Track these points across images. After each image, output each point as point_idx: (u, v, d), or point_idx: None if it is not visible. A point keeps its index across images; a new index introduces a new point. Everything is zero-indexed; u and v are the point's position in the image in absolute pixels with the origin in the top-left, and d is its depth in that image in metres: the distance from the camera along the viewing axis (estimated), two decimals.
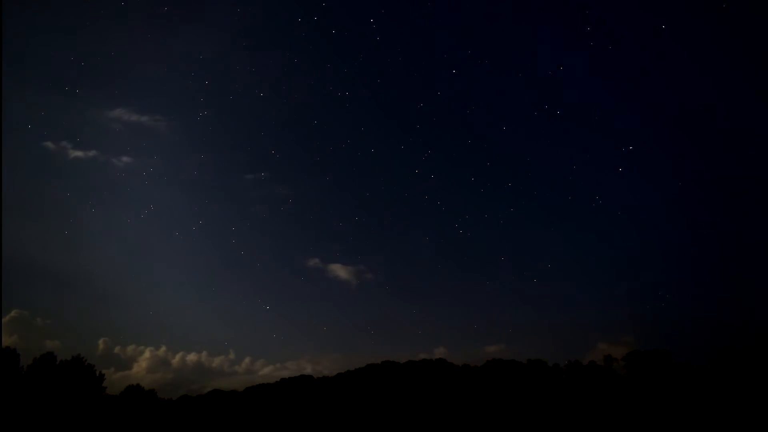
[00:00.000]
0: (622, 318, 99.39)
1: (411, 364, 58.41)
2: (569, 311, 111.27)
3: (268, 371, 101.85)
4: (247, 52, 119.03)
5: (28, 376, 42.78)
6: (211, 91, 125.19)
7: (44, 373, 43.51)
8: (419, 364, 58.36)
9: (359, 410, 52.72)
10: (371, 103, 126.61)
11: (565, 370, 54.33)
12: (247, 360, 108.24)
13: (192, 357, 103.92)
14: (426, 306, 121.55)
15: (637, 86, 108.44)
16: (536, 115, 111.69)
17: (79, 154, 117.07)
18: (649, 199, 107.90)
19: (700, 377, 46.74)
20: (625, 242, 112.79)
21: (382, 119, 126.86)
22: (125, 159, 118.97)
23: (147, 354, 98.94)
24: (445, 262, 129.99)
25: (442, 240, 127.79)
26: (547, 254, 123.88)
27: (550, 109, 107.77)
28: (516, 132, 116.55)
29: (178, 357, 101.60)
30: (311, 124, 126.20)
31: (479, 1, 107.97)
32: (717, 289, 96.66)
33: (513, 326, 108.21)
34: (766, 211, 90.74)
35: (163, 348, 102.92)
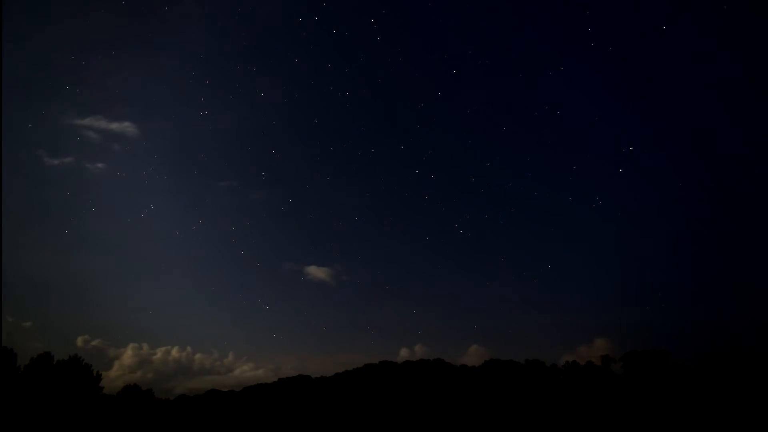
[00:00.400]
0: (621, 319, 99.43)
1: (408, 364, 58.45)
2: (569, 312, 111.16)
3: (247, 369, 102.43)
4: (248, 52, 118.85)
5: (25, 375, 42.80)
6: (211, 90, 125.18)
7: (41, 373, 43.53)
8: (416, 364, 58.39)
9: (357, 410, 52.74)
10: (372, 103, 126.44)
11: (563, 370, 54.36)
12: (230, 359, 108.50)
13: (174, 355, 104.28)
14: (425, 306, 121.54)
15: (637, 87, 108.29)
16: (536, 115, 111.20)
17: (79, 153, 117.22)
18: (650, 200, 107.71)
19: (697, 378, 46.78)
20: (625, 243, 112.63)
21: (383, 119, 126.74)
22: (125, 157, 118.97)
23: (129, 352, 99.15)
24: (444, 262, 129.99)
25: (442, 240, 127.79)
26: (547, 255, 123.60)
27: (551, 109, 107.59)
28: (516, 132, 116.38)
29: (160, 355, 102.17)
30: (312, 124, 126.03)
31: (480, 2, 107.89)
32: (715, 290, 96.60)
33: (512, 327, 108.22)
34: (766, 212, 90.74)
35: (146, 346, 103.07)
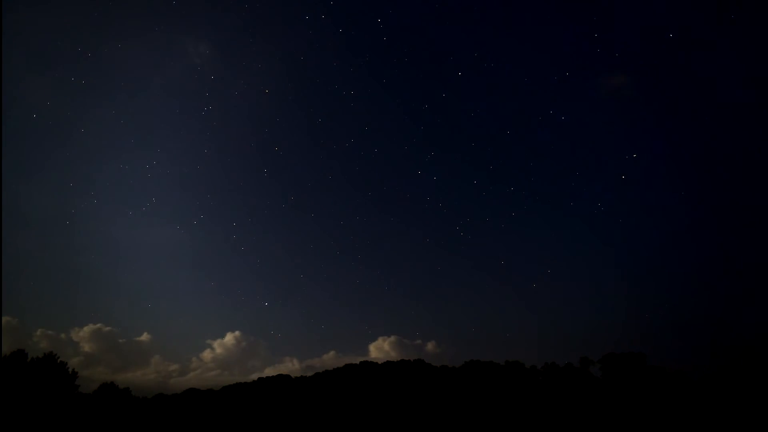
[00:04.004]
0: (620, 322, 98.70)
1: (389, 365, 58.28)
2: (568, 315, 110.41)
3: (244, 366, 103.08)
4: (254, 49, 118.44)
5: None
6: (216, 86, 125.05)
7: (15, 371, 43.39)
8: (397, 365, 58.23)
9: (336, 410, 52.60)
10: (376, 102, 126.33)
11: (542, 371, 54.16)
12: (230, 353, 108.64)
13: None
14: (425, 307, 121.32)
15: (642, 93, 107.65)
16: (540, 119, 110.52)
17: (81, 146, 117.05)
18: (651, 207, 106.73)
19: (674, 380, 46.64)
20: (626, 249, 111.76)
21: (387, 119, 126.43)
22: (128, 151, 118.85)
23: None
24: (444, 263, 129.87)
25: (443, 242, 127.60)
26: (547, 259, 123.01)
27: (555, 114, 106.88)
28: (520, 136, 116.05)
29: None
30: (315, 122, 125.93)
31: (487, 5, 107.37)
32: (714, 296, 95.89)
33: (511, 330, 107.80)
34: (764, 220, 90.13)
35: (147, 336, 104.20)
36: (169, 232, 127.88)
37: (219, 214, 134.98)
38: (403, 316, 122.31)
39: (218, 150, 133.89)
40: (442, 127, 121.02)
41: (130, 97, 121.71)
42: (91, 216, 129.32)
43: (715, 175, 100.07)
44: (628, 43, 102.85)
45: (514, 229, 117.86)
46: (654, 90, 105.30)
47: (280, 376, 58.51)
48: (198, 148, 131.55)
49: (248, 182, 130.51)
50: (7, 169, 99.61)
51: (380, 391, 54.82)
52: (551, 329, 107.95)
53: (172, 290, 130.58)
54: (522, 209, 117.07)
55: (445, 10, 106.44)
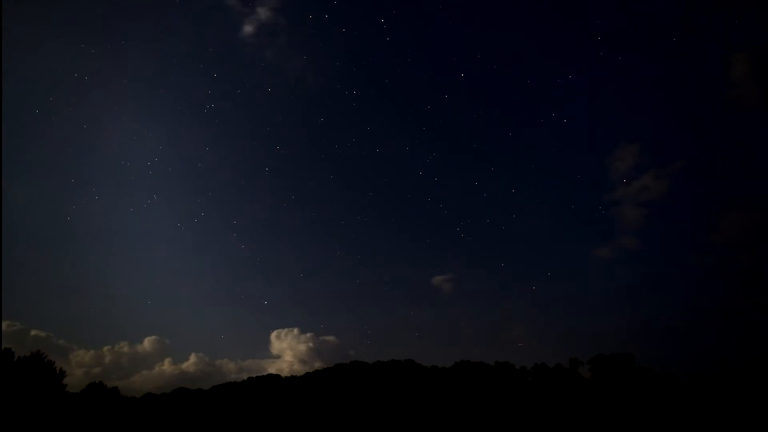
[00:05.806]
0: (621, 327, 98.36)
1: (379, 365, 58.25)
2: (569, 319, 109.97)
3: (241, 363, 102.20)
4: (257, 48, 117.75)
5: None
6: (218, 84, 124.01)
7: (1, 370, 43.18)
8: (387, 365, 58.19)
9: (327, 410, 52.53)
10: (378, 103, 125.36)
11: (532, 372, 54.20)
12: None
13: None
14: (424, 308, 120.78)
15: (645, 96, 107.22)
16: (543, 122, 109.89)
17: (83, 142, 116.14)
18: (653, 211, 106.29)
19: (661, 381, 46.74)
20: (625, 250, 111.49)
21: (389, 120, 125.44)
22: (130, 147, 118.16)
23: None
24: (444, 265, 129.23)
25: (443, 243, 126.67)
26: (547, 262, 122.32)
27: (557, 116, 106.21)
28: (522, 138, 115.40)
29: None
30: (317, 122, 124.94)
31: (490, 7, 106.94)
32: (706, 299, 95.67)
33: (510, 332, 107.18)
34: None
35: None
36: (170, 229, 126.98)
37: (219, 212, 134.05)
38: (401, 318, 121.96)
39: (219, 148, 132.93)
40: (444, 128, 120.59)
41: (132, 94, 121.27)
42: (91, 213, 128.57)
43: (719, 179, 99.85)
44: (630, 47, 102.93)
45: (515, 230, 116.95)
46: (657, 92, 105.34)
47: (270, 375, 58.52)
48: (199, 146, 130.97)
49: (249, 181, 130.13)
50: (7, 166, 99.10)
51: (371, 391, 54.77)
52: (546, 329, 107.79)
53: (172, 288, 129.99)
54: (523, 211, 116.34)
55: (448, 11, 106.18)
